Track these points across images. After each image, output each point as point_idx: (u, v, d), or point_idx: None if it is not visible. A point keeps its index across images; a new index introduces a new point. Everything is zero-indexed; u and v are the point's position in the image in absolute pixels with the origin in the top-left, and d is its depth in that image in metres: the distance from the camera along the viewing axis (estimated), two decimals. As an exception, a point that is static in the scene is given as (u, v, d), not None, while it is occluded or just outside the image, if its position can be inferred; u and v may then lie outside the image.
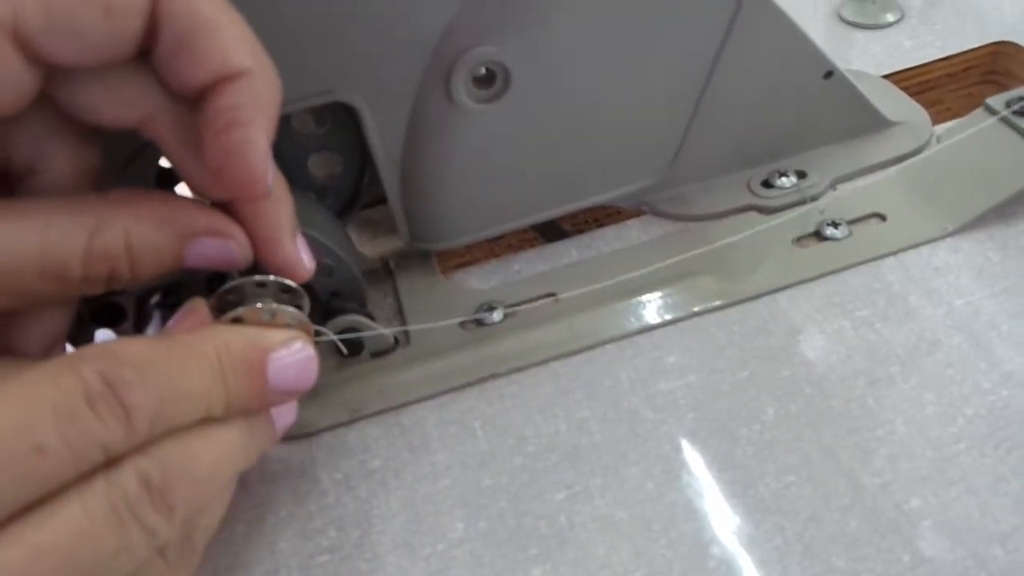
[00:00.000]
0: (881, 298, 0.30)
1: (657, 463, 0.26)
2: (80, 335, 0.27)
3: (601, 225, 0.36)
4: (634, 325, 0.30)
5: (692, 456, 0.26)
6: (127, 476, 0.20)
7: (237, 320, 0.22)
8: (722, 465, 0.26)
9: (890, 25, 0.42)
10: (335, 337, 0.26)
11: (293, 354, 0.23)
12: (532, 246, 0.35)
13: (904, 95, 0.37)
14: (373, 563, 0.25)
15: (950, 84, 0.40)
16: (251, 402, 0.22)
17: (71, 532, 0.19)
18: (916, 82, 0.40)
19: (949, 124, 0.36)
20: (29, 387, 0.18)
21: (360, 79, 0.26)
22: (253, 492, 0.28)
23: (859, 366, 0.28)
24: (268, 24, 0.23)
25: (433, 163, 0.29)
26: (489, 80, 0.28)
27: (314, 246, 0.27)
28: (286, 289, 0.23)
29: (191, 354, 0.21)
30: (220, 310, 0.23)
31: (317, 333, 0.26)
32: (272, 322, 0.23)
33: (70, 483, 0.19)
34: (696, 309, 0.30)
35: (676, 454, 0.26)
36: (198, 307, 0.23)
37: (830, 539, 0.23)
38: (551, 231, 0.36)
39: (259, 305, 0.23)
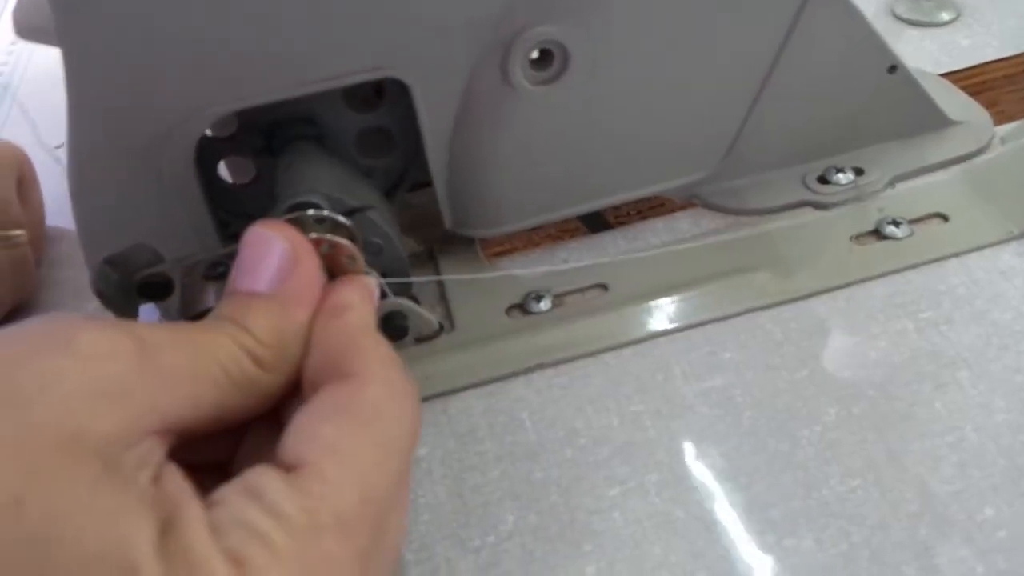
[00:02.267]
0: (945, 300, 0.29)
1: (715, 461, 0.25)
2: (126, 307, 0.26)
3: (644, 217, 0.35)
4: (687, 319, 0.29)
5: (751, 455, 0.25)
6: None
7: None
8: (783, 465, 0.25)
9: (945, 24, 0.41)
10: (381, 280, 0.26)
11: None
12: (573, 236, 0.34)
13: (964, 95, 0.36)
14: (420, 554, 0.24)
15: (1007, 86, 0.39)
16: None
17: None
18: (973, 82, 0.39)
19: (1011, 125, 0.35)
20: None
21: (414, 55, 0.26)
22: (294, 476, 0.27)
23: (924, 369, 0.27)
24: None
25: (483, 146, 0.29)
26: (546, 61, 0.27)
27: (364, 223, 0.26)
28: (341, 224, 0.23)
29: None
30: None
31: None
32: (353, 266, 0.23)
33: None
34: (751, 305, 0.29)
35: (735, 452, 0.25)
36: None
37: (899, 546, 0.23)
38: (595, 222, 0.35)
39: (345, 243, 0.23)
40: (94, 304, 0.35)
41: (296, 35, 0.24)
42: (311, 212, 0.24)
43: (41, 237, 0.37)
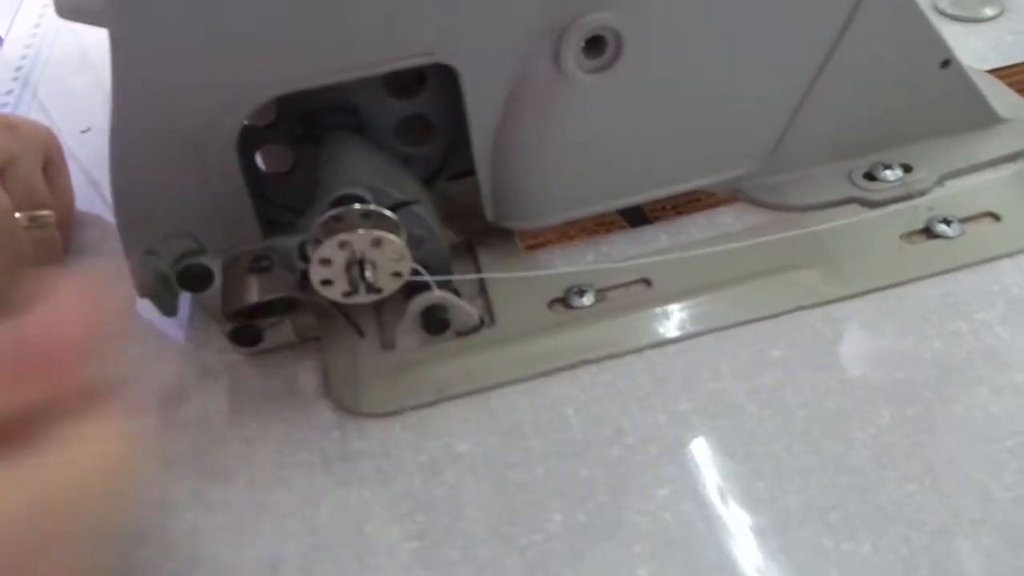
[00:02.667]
0: (999, 301, 0.28)
1: (767, 462, 0.25)
2: (166, 296, 0.25)
3: (679, 213, 0.34)
4: (734, 317, 0.29)
5: (804, 456, 0.25)
6: None
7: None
8: (837, 468, 0.24)
9: (988, 20, 0.41)
10: (425, 274, 0.25)
11: None
12: (611, 229, 0.33)
13: (1012, 92, 0.35)
14: (466, 552, 0.24)
15: (1053, 83, 0.39)
16: None
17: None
18: (1018, 79, 0.38)
19: (1065, 123, 0.34)
20: None
21: (465, 41, 0.25)
22: (335, 469, 0.26)
23: (980, 372, 0.26)
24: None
25: (531, 134, 0.28)
26: (599, 48, 0.26)
27: (407, 215, 0.25)
28: (387, 218, 0.24)
29: None
30: (320, 237, 0.23)
31: (415, 272, 0.25)
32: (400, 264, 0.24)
33: None
34: (800, 303, 0.29)
35: (786, 454, 0.25)
36: None
37: (962, 554, 0.22)
38: (635, 215, 0.35)
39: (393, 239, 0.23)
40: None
41: (349, 17, 0.23)
42: (357, 207, 0.24)
43: (70, 221, 0.36)
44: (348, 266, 0.24)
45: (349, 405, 0.28)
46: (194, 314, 0.32)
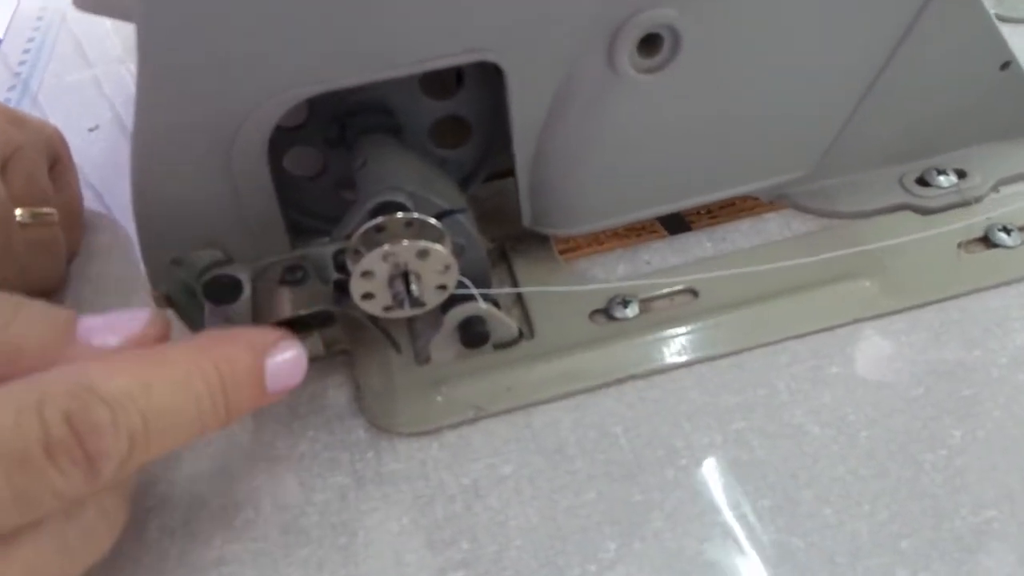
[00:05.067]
0: (1067, 314, 0.27)
1: (832, 487, 0.23)
2: (190, 309, 0.24)
3: (714, 217, 0.33)
4: (788, 330, 0.27)
5: (872, 480, 0.23)
6: (89, 514, 0.19)
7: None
8: (908, 493, 0.23)
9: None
10: (476, 291, 0.25)
11: (285, 353, 0.22)
12: (640, 236, 0.32)
13: (1063, 93, 0.34)
14: (515, 583, 0.22)
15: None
16: (247, 409, 0.21)
17: (20, 572, 0.18)
18: (1065, 81, 0.37)
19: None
20: None
21: (515, 39, 0.23)
22: (369, 492, 0.25)
23: (1052, 389, 0.25)
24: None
25: (578, 136, 0.26)
26: (654, 47, 0.25)
27: (449, 224, 0.24)
28: (430, 227, 0.22)
29: (188, 375, 0.20)
30: (361, 248, 0.22)
31: (462, 285, 0.23)
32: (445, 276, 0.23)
33: (22, 527, 0.18)
34: (857, 316, 0.27)
35: (852, 477, 0.24)
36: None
37: (1048, 586, 0.21)
38: (674, 222, 0.33)
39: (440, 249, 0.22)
40: (135, 301, 0.33)
41: (397, 12, 0.21)
42: (400, 215, 0.22)
43: (77, 223, 0.34)
44: (391, 279, 0.22)
45: (383, 423, 0.26)
46: (211, 325, 0.31)
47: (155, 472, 0.26)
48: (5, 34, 0.49)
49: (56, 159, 0.33)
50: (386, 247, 0.21)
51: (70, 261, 0.34)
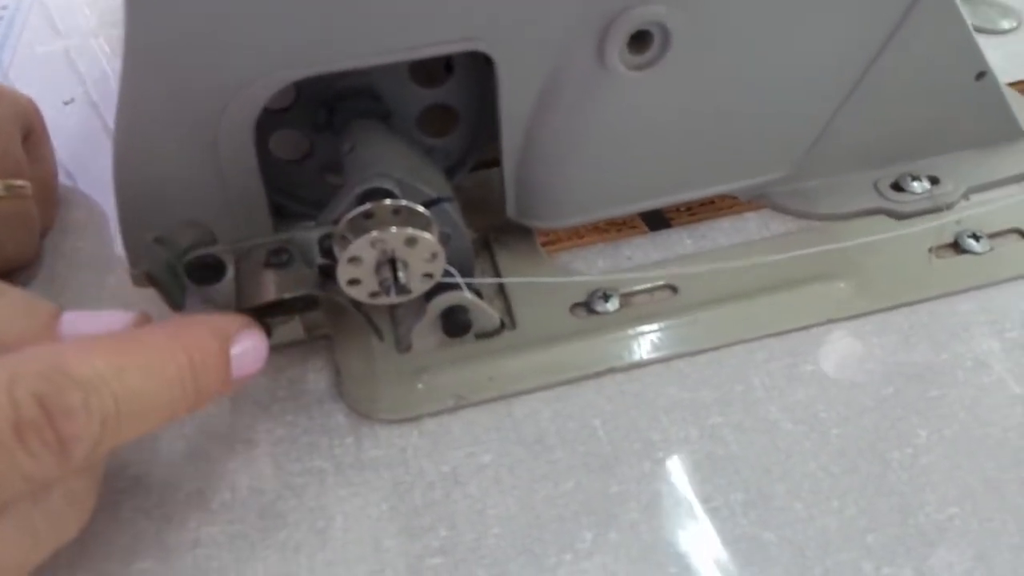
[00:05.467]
0: (1031, 320, 0.28)
1: (804, 482, 0.24)
2: (173, 289, 0.23)
3: (693, 214, 0.33)
4: (764, 328, 0.28)
5: (842, 477, 0.24)
6: (56, 499, 0.19)
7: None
8: (875, 489, 0.24)
9: (1006, 32, 0.40)
10: (461, 280, 0.25)
11: (248, 340, 0.22)
12: (621, 231, 0.32)
13: (1033, 106, 0.35)
14: (492, 570, 0.23)
15: (1067, 99, 0.38)
16: (213, 395, 0.21)
17: None
18: (1035, 94, 0.38)
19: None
20: None
21: (507, 29, 0.23)
22: (349, 478, 0.25)
23: (1015, 392, 0.26)
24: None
25: (565, 129, 0.27)
26: (644, 44, 0.25)
27: (435, 211, 0.24)
28: (418, 214, 0.22)
29: (160, 360, 0.20)
30: (349, 234, 0.22)
31: (447, 273, 0.24)
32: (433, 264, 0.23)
33: None
34: (831, 316, 0.28)
35: (823, 473, 0.24)
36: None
37: (1005, 581, 0.22)
38: (655, 218, 0.33)
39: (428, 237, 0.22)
40: (110, 279, 0.32)
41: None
42: (388, 202, 0.22)
43: (52, 198, 0.34)
44: (378, 266, 0.22)
45: (364, 409, 0.26)
46: (189, 306, 0.30)
47: (128, 455, 0.26)
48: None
49: (30, 130, 0.33)
50: (375, 233, 0.21)
51: (43, 236, 0.33)
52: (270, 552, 0.23)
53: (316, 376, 0.28)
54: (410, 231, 0.21)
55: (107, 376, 0.18)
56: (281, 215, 0.28)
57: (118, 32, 0.44)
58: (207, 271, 0.24)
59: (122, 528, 0.24)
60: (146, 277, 0.23)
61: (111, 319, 0.21)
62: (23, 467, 0.17)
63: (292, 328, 0.28)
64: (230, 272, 0.24)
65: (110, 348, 0.19)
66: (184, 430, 0.26)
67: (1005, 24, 0.41)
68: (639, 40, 0.25)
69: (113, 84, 0.41)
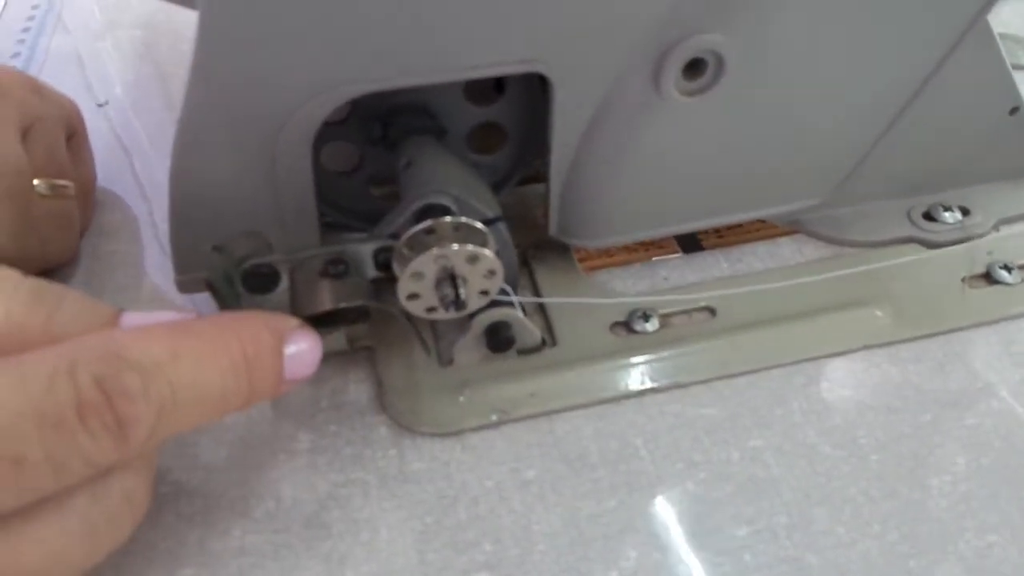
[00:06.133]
0: (1063, 352, 0.28)
1: (845, 506, 0.24)
2: (229, 297, 0.23)
3: (721, 237, 0.34)
4: (802, 352, 0.28)
5: (882, 502, 0.24)
6: (114, 495, 0.19)
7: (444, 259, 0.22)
8: (915, 516, 0.24)
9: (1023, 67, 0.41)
10: (515, 298, 0.26)
11: (302, 341, 0.22)
12: (666, 253, 0.32)
13: (1059, 140, 0.36)
14: (539, 587, 0.23)
15: (1089, 135, 0.39)
16: (266, 394, 0.21)
17: (46, 553, 0.18)
18: (1059, 128, 0.38)
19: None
20: (18, 386, 0.17)
21: (567, 52, 0.24)
22: (394, 490, 0.25)
23: (1050, 423, 0.26)
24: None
25: (615, 152, 0.27)
26: (698, 71, 0.25)
27: (489, 230, 0.24)
28: (477, 231, 0.23)
29: (214, 349, 0.20)
30: (411, 248, 0.22)
31: (503, 292, 0.24)
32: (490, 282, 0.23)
33: (50, 496, 0.18)
34: (868, 342, 0.28)
35: (864, 498, 0.24)
36: None
37: (1046, 610, 0.22)
38: (687, 240, 0.34)
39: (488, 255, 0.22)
40: (145, 282, 0.32)
41: (457, 18, 0.22)
42: (449, 219, 0.22)
43: (90, 200, 0.34)
44: (438, 282, 0.22)
45: (407, 422, 0.26)
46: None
47: (170, 461, 0.26)
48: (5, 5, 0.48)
49: (73, 132, 0.33)
50: (438, 249, 0.21)
51: (81, 237, 0.33)
52: (315, 563, 0.23)
53: (358, 388, 0.28)
54: (472, 248, 0.22)
55: (163, 362, 0.19)
56: (325, 228, 0.28)
57: (142, 33, 0.44)
58: (262, 280, 0.24)
59: (165, 534, 0.24)
60: (205, 284, 0.23)
61: (169, 319, 0.22)
62: (85, 450, 0.18)
63: (335, 339, 0.28)
64: (284, 282, 0.24)
65: (165, 335, 0.19)
66: (227, 436, 0.26)
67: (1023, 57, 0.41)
68: (693, 67, 0.25)
69: (145, 87, 0.41)
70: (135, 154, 0.38)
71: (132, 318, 0.21)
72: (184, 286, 0.27)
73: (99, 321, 0.21)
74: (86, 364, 0.18)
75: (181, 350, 0.19)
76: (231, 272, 0.23)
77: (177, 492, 0.25)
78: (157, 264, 0.33)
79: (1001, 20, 0.37)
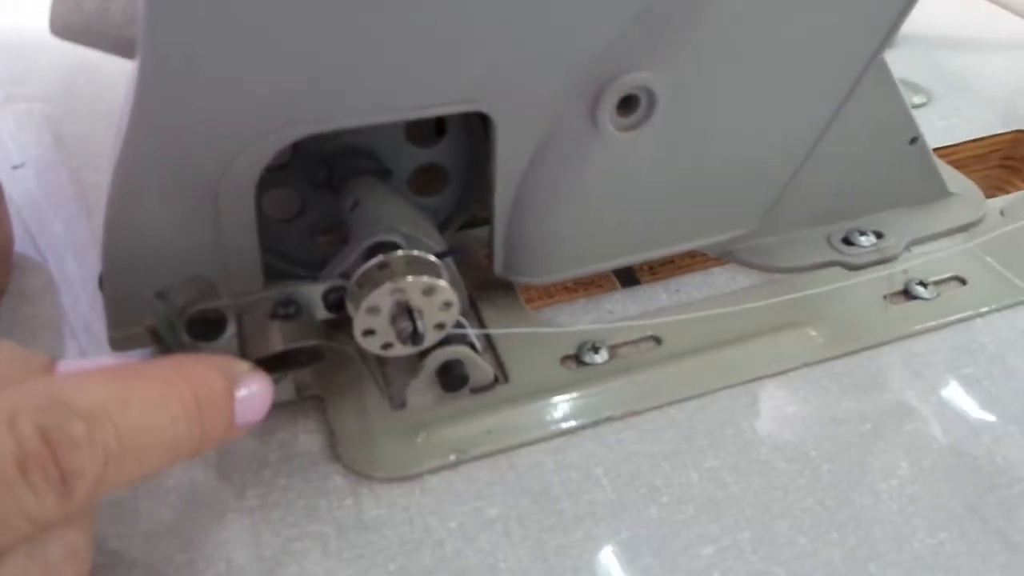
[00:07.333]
0: (981, 357, 0.30)
1: (804, 517, 0.25)
2: (173, 345, 0.22)
3: (655, 273, 0.35)
4: (746, 374, 0.29)
5: (837, 510, 0.25)
6: (54, 552, 0.18)
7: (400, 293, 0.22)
8: (871, 520, 0.25)
9: (917, 107, 0.45)
10: (471, 330, 0.26)
11: (253, 384, 0.21)
12: (607, 287, 0.33)
13: (953, 169, 0.39)
14: (513, 625, 0.22)
15: (975, 164, 0.43)
16: (217, 440, 0.20)
17: None
18: (954, 159, 0.42)
19: (1009, 197, 0.38)
20: None
21: (507, 92, 0.25)
22: (353, 540, 0.24)
23: (978, 423, 0.28)
24: (421, 24, 0.21)
25: (555, 187, 0.28)
26: (632, 107, 0.27)
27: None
28: (430, 265, 0.23)
29: (164, 393, 0.19)
30: (365, 284, 0.22)
31: (459, 325, 0.24)
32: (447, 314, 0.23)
33: None
34: (807, 360, 0.30)
35: (820, 507, 0.25)
36: None
37: (1000, 599, 0.23)
38: (626, 275, 0.35)
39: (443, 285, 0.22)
40: (71, 344, 0.31)
41: (399, 60, 0.22)
42: (401, 253, 0.22)
43: (8, 265, 0.32)
44: (394, 317, 0.22)
45: (362, 469, 0.26)
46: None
47: (106, 528, 0.24)
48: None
49: None
50: (393, 283, 0.21)
51: (-1, 302, 0.31)
52: (274, 624, 0.22)
53: (308, 438, 0.27)
54: (428, 279, 0.22)
55: (109, 408, 0.17)
56: (268, 274, 0.28)
57: (59, 101, 0.43)
58: (208, 326, 0.23)
59: (104, 610, 0.22)
60: (148, 332, 0.22)
61: (109, 364, 0.20)
62: (26, 505, 0.16)
63: (283, 388, 0.27)
64: (231, 328, 0.23)
65: (111, 380, 0.18)
66: (169, 498, 0.25)
67: (916, 100, 0.45)
68: (627, 103, 0.26)
69: (63, 149, 0.40)
70: (57, 216, 0.36)
71: (68, 365, 0.20)
72: (118, 343, 0.26)
73: (34, 370, 0.19)
74: (27, 413, 0.16)
75: (128, 395, 0.18)
76: (174, 320, 0.23)
77: (116, 562, 0.23)
78: (85, 327, 0.31)
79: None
